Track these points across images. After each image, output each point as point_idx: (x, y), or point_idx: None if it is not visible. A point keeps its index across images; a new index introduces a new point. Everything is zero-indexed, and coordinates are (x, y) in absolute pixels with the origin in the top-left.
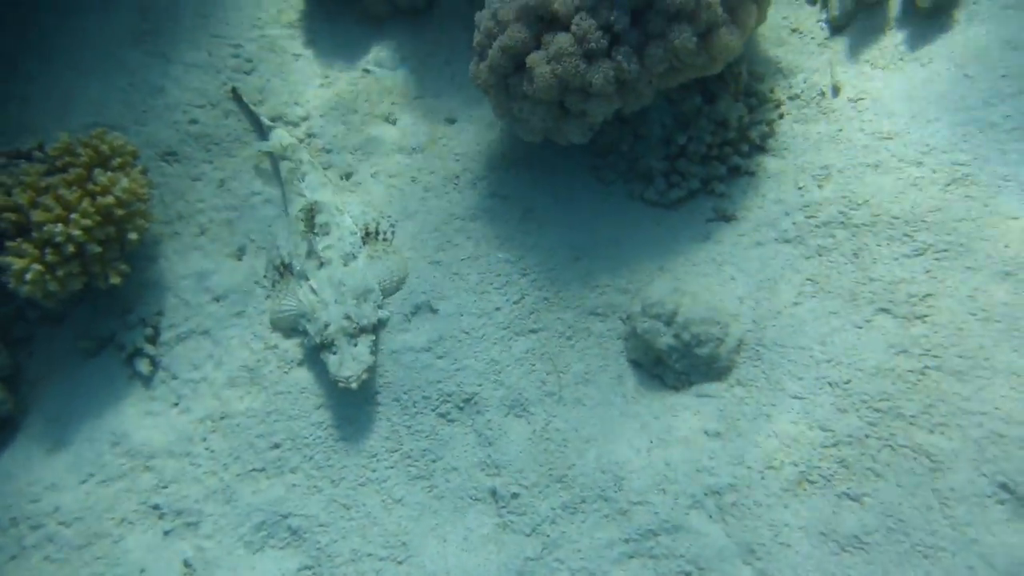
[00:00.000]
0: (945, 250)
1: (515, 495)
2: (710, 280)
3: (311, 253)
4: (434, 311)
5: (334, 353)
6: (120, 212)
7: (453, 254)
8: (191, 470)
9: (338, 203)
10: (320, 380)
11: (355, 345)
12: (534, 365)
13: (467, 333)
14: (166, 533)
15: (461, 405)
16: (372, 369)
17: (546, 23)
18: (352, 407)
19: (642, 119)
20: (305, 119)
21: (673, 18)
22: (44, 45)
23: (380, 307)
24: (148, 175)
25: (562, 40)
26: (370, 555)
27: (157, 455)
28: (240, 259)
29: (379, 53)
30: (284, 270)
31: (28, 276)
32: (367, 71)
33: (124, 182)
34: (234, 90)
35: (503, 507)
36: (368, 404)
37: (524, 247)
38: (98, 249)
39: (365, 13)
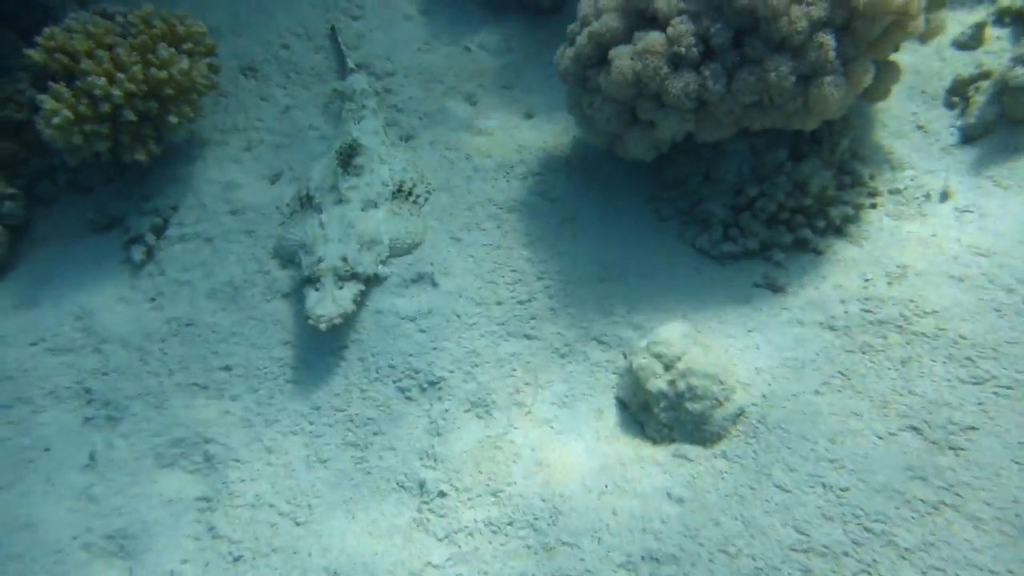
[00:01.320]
0: (1009, 387)
1: (443, 494)
2: (732, 342)
3: (333, 188)
4: (435, 284)
5: (317, 289)
6: (169, 91)
7: (476, 237)
8: (137, 366)
9: (382, 153)
10: (297, 318)
11: (340, 288)
12: (514, 370)
13: (458, 316)
14: (87, 419)
15: (424, 386)
16: (348, 318)
17: (644, 21)
18: (315, 353)
19: (718, 159)
20: (390, 75)
21: (776, 47)
22: None
23: (382, 262)
24: (217, 75)
25: (652, 38)
26: (271, 506)
27: (111, 341)
28: (273, 183)
29: (487, 37)
30: (306, 202)
31: (55, 120)
32: (468, 49)
33: (184, 64)
34: (333, 28)
35: (426, 503)
36: (332, 355)
37: (551, 251)
38: (133, 118)
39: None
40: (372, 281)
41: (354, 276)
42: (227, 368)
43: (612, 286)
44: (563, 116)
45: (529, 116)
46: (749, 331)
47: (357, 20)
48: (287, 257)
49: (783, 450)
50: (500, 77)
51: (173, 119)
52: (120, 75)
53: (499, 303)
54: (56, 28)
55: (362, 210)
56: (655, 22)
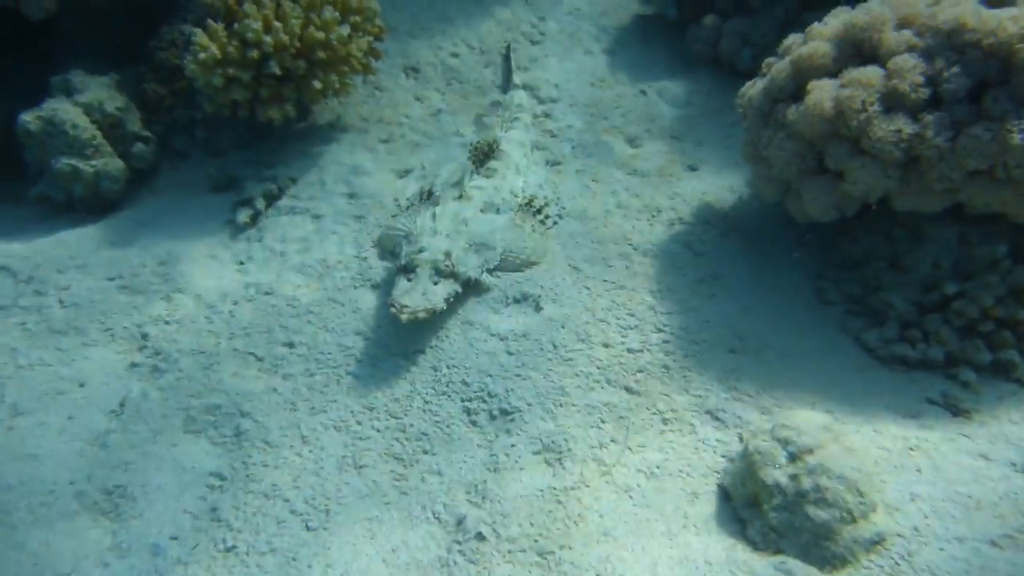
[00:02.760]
0: None
1: (481, 537)
2: (887, 457)
3: (458, 184)
4: (538, 308)
5: (409, 280)
6: (321, 55)
7: (599, 271)
8: (200, 322)
9: (521, 164)
10: (379, 311)
11: (435, 283)
12: (603, 422)
13: (555, 347)
14: (132, 365)
15: (495, 413)
16: (432, 316)
17: (861, 59)
18: (386, 350)
19: (913, 243)
20: (553, 101)
21: None
22: None
23: (488, 270)
24: (377, 60)
25: (867, 70)
26: (286, 501)
27: (185, 292)
28: (400, 177)
29: (668, 86)
30: (427, 198)
31: (202, 55)
32: (644, 93)
33: (343, 31)
34: (508, 46)
35: (458, 543)
36: (403, 357)
37: (680, 306)
38: (277, 71)
39: (686, 50)
40: (471, 287)
41: (453, 275)
42: (290, 345)
43: (744, 360)
44: (732, 175)
45: (693, 168)
46: (910, 449)
47: (535, 45)
48: (389, 248)
49: None
50: (672, 127)
51: (317, 84)
52: (277, 24)
53: (606, 345)
54: None
55: (481, 211)
56: (874, 61)
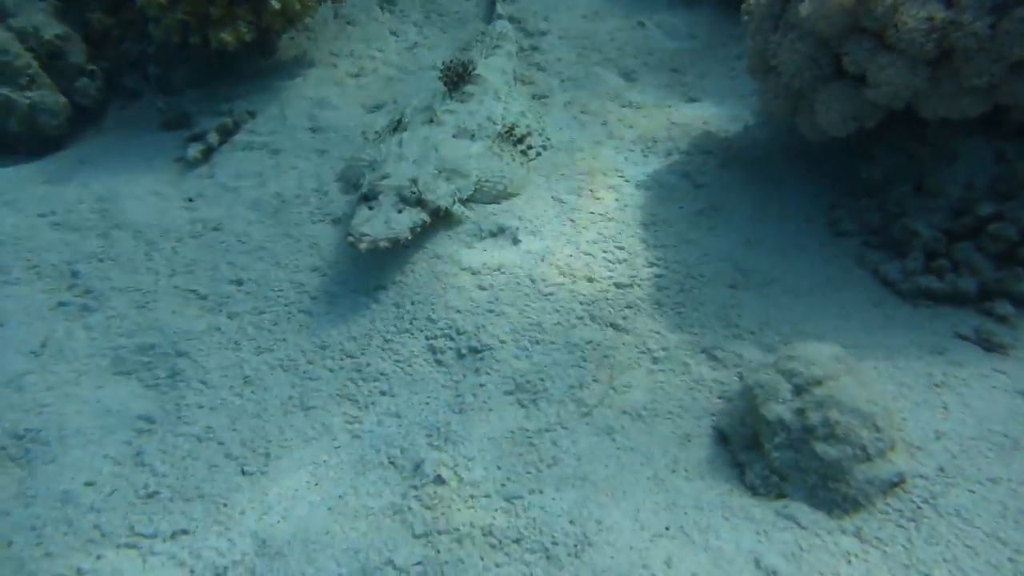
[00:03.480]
0: None
1: (441, 481)
2: (910, 394)
3: (428, 108)
4: (516, 241)
5: (370, 208)
6: None
7: (586, 204)
8: (139, 260)
9: (501, 90)
10: (339, 247)
11: (399, 211)
12: (585, 360)
13: (533, 281)
14: (60, 304)
15: (464, 351)
16: (396, 247)
17: None
18: (345, 287)
19: (941, 161)
20: (542, 34)
21: None
22: None
23: (460, 200)
24: None
25: None
26: (220, 444)
27: (123, 228)
28: (370, 111)
29: (668, 18)
30: (396, 128)
31: None
32: (642, 24)
33: None
34: None
35: (415, 488)
36: (363, 293)
37: (676, 238)
38: None
39: None
40: (440, 217)
41: (420, 203)
42: (238, 282)
43: (746, 295)
44: (736, 105)
45: (693, 100)
46: (936, 385)
47: None
48: (353, 180)
49: (955, 544)
50: (671, 60)
51: (275, 3)
52: None
53: (590, 279)
54: None
55: (454, 136)
56: None
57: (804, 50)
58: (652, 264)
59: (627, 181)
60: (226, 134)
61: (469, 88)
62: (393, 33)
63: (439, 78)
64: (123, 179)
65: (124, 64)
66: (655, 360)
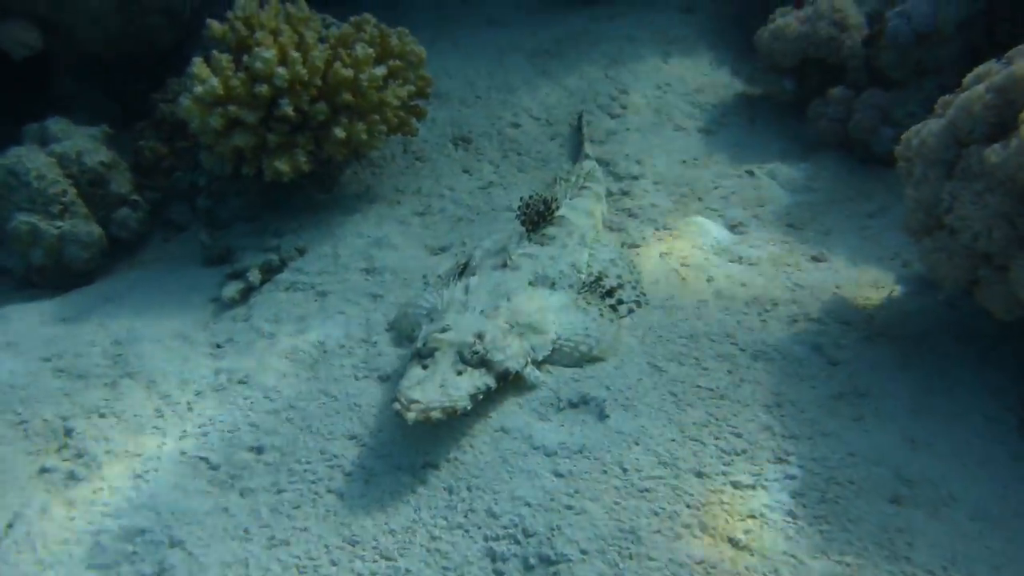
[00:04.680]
0: None
1: None
2: None
3: (501, 251)
4: (603, 417)
5: (424, 367)
6: (347, 98)
7: (690, 375)
8: (147, 417)
9: (588, 235)
10: (383, 411)
11: (458, 373)
12: None
13: (625, 473)
14: (42, 470)
15: (533, 562)
16: (451, 418)
17: None
18: (387, 462)
19: None
20: (634, 178)
21: None
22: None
23: (535, 361)
24: (420, 120)
25: None
26: None
27: (135, 378)
28: (434, 254)
29: (783, 168)
30: (462, 273)
31: (199, 89)
32: (751, 174)
33: (378, 72)
34: (580, 116)
35: None
36: (408, 472)
37: (811, 429)
38: (290, 113)
39: (805, 131)
40: (509, 382)
41: (485, 364)
42: (257, 449)
43: (915, 516)
44: (875, 269)
45: (818, 260)
46: None
47: (614, 119)
48: (408, 331)
49: None
50: (788, 213)
51: (340, 132)
52: (295, 55)
53: (700, 475)
54: (255, 1)
55: (531, 284)
56: None
57: (995, 205)
58: (780, 460)
59: (742, 350)
60: (270, 272)
61: (550, 230)
62: (466, 171)
63: (516, 217)
64: (148, 319)
65: (173, 196)
66: None
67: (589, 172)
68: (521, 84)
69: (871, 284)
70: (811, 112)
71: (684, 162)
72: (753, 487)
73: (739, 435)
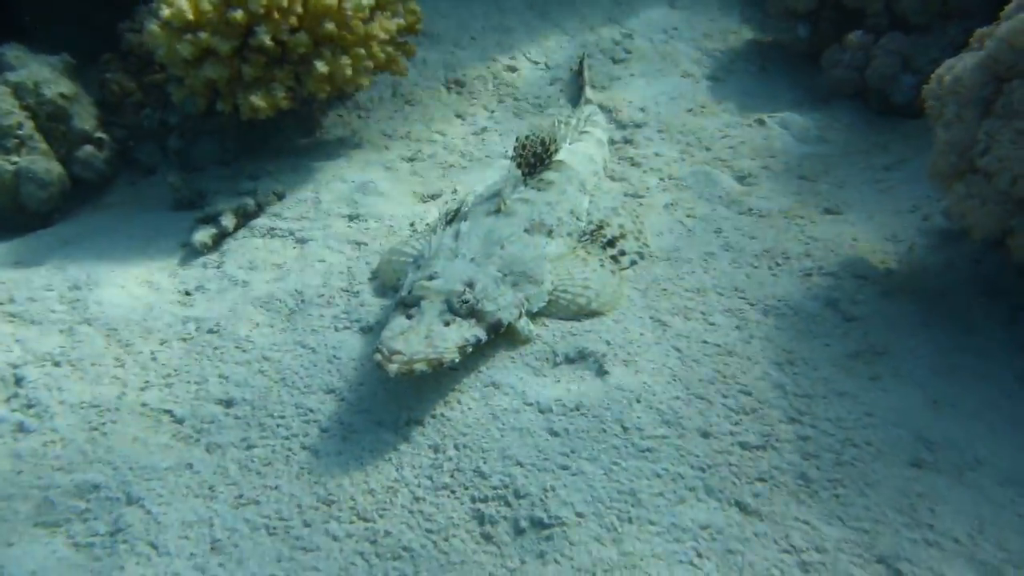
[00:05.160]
0: None
1: None
2: None
3: (494, 196)
4: (602, 372)
5: (409, 317)
6: (331, 28)
7: (696, 329)
8: (105, 364)
9: (588, 181)
10: (364, 364)
11: (445, 324)
12: (699, 556)
13: (625, 430)
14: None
15: (523, 525)
16: (437, 371)
17: None
18: (368, 417)
19: None
20: (638, 126)
21: None
22: None
23: (529, 312)
24: (408, 59)
25: None
26: None
27: (94, 325)
28: (423, 201)
29: (795, 118)
30: (453, 219)
31: (165, 12)
32: (761, 122)
33: (364, 1)
34: (582, 59)
35: None
36: (391, 429)
37: (826, 387)
38: (268, 43)
39: (819, 80)
40: (501, 334)
41: (474, 314)
42: (227, 402)
43: (939, 481)
44: (893, 222)
45: (831, 212)
46: None
47: (618, 64)
48: (392, 280)
49: None
50: (800, 165)
51: (322, 66)
52: None
53: (706, 434)
54: None
55: (526, 231)
56: None
57: None
58: (793, 420)
59: (751, 304)
60: (245, 217)
61: (548, 175)
62: (459, 116)
63: (511, 158)
64: (109, 264)
65: (141, 135)
66: (805, 568)
67: (590, 116)
68: (518, 26)
69: (889, 238)
70: (826, 59)
71: (690, 110)
72: (763, 448)
73: (748, 393)
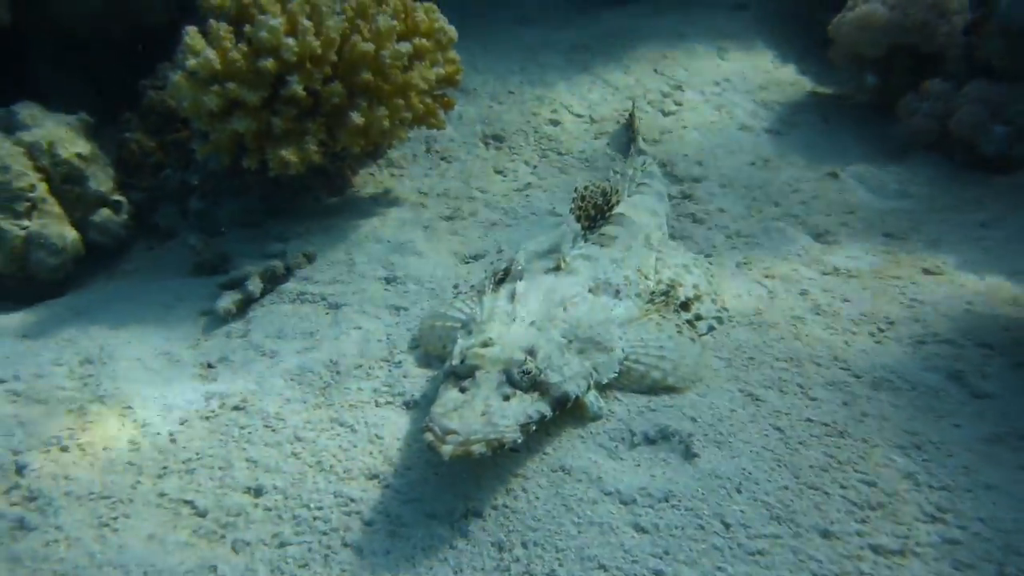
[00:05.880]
0: None
1: None
2: None
3: (552, 252)
4: (690, 456)
5: (462, 390)
6: (367, 78)
7: (795, 406)
8: (118, 450)
9: (653, 236)
10: (412, 446)
11: (504, 398)
12: None
13: (727, 527)
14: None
15: None
16: (497, 452)
17: None
18: (418, 509)
19: None
20: (695, 180)
21: None
22: None
23: (596, 384)
24: (446, 112)
25: None
26: None
27: (108, 404)
28: (465, 262)
29: (872, 171)
30: (502, 281)
31: (190, 63)
32: (834, 176)
33: (403, 49)
34: (633, 106)
35: None
36: (445, 522)
37: (967, 478)
38: (300, 93)
39: (891, 131)
40: (563, 403)
41: (537, 386)
42: (256, 491)
43: None
44: (1006, 283)
45: (932, 273)
46: None
47: (668, 116)
48: (436, 348)
49: None
50: (884, 222)
51: (357, 118)
52: (307, 23)
53: (825, 533)
54: None
55: (590, 291)
56: None
57: None
58: (932, 519)
59: (856, 377)
60: (273, 281)
61: (610, 229)
62: (499, 172)
63: (571, 210)
64: (125, 336)
65: (160, 197)
66: None
67: (645, 167)
68: (559, 80)
69: (1008, 301)
70: (903, 108)
71: (753, 164)
72: (901, 554)
73: (872, 484)
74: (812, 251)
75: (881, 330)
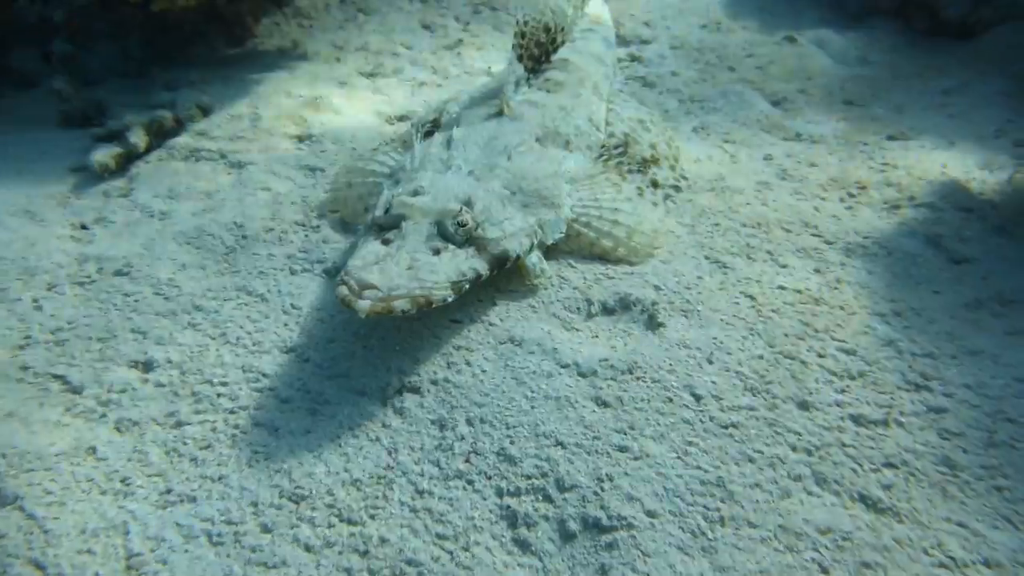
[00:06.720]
0: None
1: None
2: None
3: (491, 98)
4: (655, 325)
5: (385, 242)
6: None
7: (767, 272)
8: None
9: (601, 87)
10: (336, 316)
11: (434, 252)
12: (822, 573)
13: (697, 399)
14: None
15: (576, 528)
16: (423, 311)
17: None
18: (343, 384)
19: None
20: (645, 42)
21: None
22: None
23: (540, 244)
24: None
25: None
26: None
27: None
28: (390, 123)
29: (831, 36)
30: (428, 133)
31: None
32: (792, 40)
33: None
34: None
35: None
36: (376, 400)
37: (951, 343)
38: None
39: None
40: (502, 262)
41: (473, 240)
42: (144, 364)
43: None
44: (980, 149)
45: (895, 138)
46: None
47: None
48: (356, 204)
49: None
50: (844, 88)
51: None
52: None
53: (803, 405)
54: None
55: (537, 139)
56: None
57: None
58: (917, 387)
59: (828, 243)
60: (161, 135)
61: (556, 75)
62: (426, 27)
63: (512, 46)
64: None
65: (17, 34)
66: None
67: (596, 15)
68: None
69: (980, 164)
70: None
71: (704, 27)
72: (885, 423)
73: (851, 352)
74: (772, 118)
75: (852, 195)
